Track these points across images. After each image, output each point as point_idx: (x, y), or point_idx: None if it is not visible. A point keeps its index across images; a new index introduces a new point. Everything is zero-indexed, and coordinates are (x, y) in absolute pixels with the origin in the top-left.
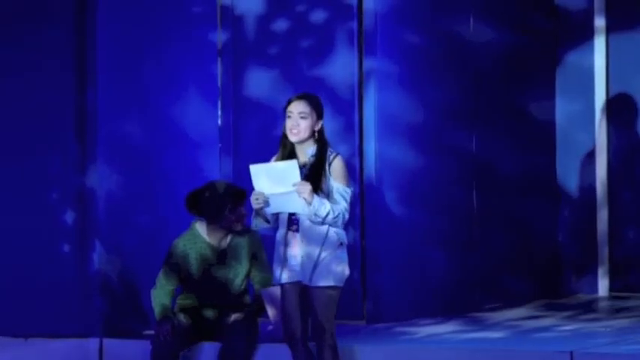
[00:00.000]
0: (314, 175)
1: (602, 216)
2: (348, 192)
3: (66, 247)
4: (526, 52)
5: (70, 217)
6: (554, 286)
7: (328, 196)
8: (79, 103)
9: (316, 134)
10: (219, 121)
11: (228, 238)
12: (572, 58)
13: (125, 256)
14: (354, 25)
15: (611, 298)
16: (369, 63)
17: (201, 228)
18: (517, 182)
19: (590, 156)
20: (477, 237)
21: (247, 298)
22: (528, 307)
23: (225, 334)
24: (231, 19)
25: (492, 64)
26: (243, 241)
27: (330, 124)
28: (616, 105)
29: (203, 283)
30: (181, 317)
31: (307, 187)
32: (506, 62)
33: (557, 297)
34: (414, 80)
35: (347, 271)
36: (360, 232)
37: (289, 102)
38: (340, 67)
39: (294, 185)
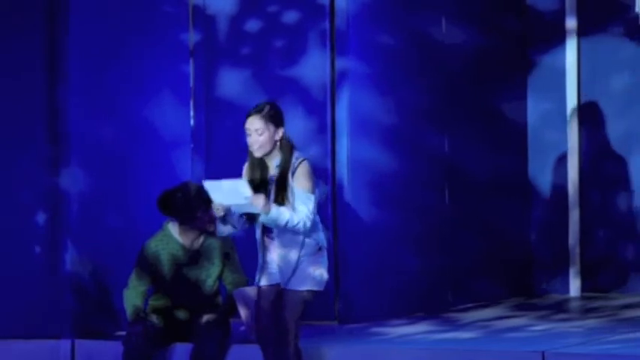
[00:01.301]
0: (279, 189)
1: (574, 216)
2: (310, 198)
3: (38, 248)
4: (498, 53)
5: (41, 217)
6: (525, 286)
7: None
8: (51, 103)
9: (278, 143)
10: (192, 122)
11: (201, 239)
12: (543, 58)
13: (97, 257)
14: (326, 25)
15: (582, 298)
16: (341, 63)
17: (173, 229)
18: (489, 183)
19: (562, 157)
20: (449, 238)
21: (219, 299)
22: (500, 307)
23: (197, 336)
24: (203, 19)
25: (464, 65)
26: (215, 242)
27: (302, 125)
28: (587, 106)
29: (175, 284)
30: (154, 318)
31: (260, 200)
32: (478, 63)
33: (529, 297)
34: (386, 81)
35: (325, 275)
36: (332, 232)
37: (246, 118)
38: (312, 67)
39: (246, 199)
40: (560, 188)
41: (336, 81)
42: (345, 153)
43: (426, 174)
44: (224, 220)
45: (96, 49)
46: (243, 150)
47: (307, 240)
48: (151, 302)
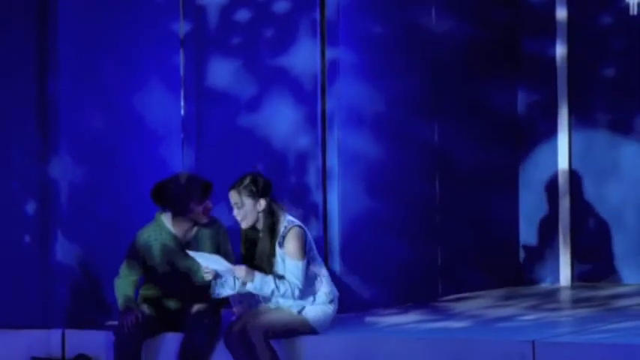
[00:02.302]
0: (266, 260)
1: (564, 206)
2: (298, 267)
3: (27, 238)
4: (488, 43)
5: (31, 207)
6: (515, 275)
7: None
8: (41, 93)
9: (261, 214)
10: (182, 112)
11: (194, 230)
12: (534, 48)
13: (87, 247)
14: (317, 14)
15: (573, 288)
16: (331, 53)
17: (166, 219)
18: (479, 173)
19: (552, 146)
20: (439, 227)
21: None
22: (490, 296)
23: (187, 326)
24: (194, 9)
25: (455, 55)
26: (208, 233)
27: (292, 115)
28: (578, 96)
29: (166, 274)
30: (145, 308)
31: (241, 272)
32: (468, 53)
33: (519, 287)
34: (376, 71)
35: (330, 319)
36: (322, 222)
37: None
38: (303, 57)
39: (228, 269)
40: (550, 178)
41: (327, 71)
42: (335, 143)
43: (417, 164)
44: (219, 281)
45: (86, 39)
46: (234, 140)
47: (319, 293)
48: (141, 292)
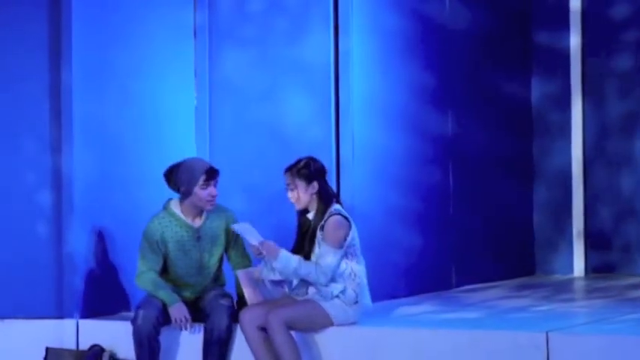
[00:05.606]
0: (308, 243)
1: (578, 196)
2: (330, 253)
3: (42, 228)
4: (502, 32)
5: (46, 197)
6: (529, 266)
7: None
8: (55, 84)
9: (314, 196)
10: (195, 103)
11: (203, 216)
12: (547, 38)
13: (101, 237)
14: (330, 5)
15: (586, 278)
16: (344, 44)
17: (175, 207)
18: (493, 162)
19: (566, 135)
20: (453, 217)
21: (223, 279)
22: (504, 287)
23: (208, 310)
24: (207, 0)
25: (468, 45)
26: (217, 220)
27: (305, 106)
28: (591, 86)
29: (179, 263)
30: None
31: (267, 247)
32: (481, 43)
33: (533, 277)
34: (389, 61)
35: (350, 321)
36: None
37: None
38: (315, 47)
39: (259, 242)
40: (564, 168)
41: (340, 61)
42: (348, 133)
43: (430, 154)
44: (268, 265)
45: (99, 29)
46: (247, 131)
47: (349, 290)
48: None
